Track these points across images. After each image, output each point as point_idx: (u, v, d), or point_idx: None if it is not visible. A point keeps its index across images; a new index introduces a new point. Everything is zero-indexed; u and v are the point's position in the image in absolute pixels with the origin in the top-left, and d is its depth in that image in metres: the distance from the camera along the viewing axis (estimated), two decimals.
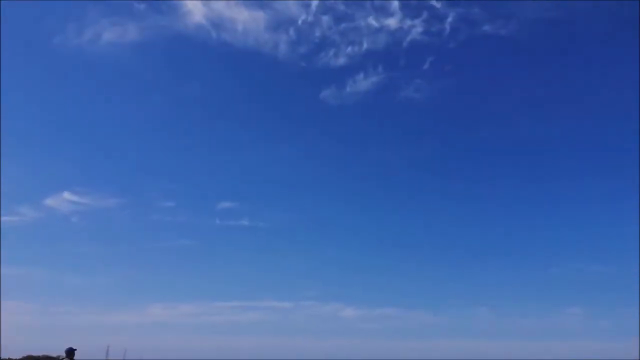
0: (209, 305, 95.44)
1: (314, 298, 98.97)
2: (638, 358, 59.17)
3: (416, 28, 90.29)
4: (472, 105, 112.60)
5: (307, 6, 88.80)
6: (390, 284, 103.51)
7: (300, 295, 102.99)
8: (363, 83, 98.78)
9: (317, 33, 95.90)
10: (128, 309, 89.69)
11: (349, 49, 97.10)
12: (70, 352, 14.07)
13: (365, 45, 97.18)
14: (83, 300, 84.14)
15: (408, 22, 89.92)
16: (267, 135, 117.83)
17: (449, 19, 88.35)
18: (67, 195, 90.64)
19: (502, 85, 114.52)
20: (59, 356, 14.23)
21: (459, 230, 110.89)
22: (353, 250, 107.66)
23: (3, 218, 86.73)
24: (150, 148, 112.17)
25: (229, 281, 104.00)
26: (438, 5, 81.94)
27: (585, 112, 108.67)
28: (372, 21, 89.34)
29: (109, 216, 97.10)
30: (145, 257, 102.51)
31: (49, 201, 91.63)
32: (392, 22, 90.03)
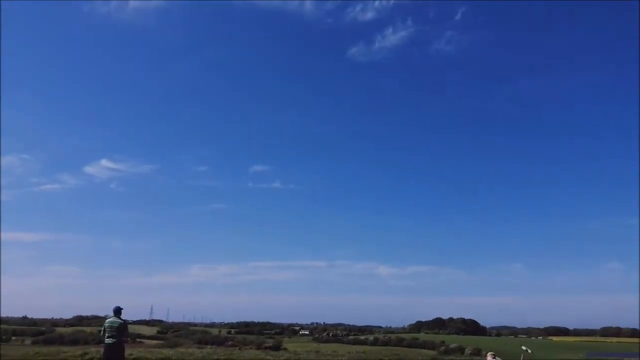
0: (245, 266, 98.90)
1: (348, 257, 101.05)
2: None
3: None
4: (508, 56, 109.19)
5: None
6: (423, 242, 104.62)
7: (334, 254, 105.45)
8: (392, 38, 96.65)
9: None
10: (168, 271, 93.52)
11: (377, 2, 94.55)
12: (118, 311, 14.51)
13: None
14: (125, 263, 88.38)
15: None
16: (295, 96, 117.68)
17: None
18: (105, 162, 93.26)
19: (539, 35, 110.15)
20: (106, 315, 14.76)
21: (491, 187, 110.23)
22: (385, 210, 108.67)
23: (46, 186, 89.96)
24: (182, 113, 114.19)
25: (263, 242, 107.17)
26: None
27: (629, 59, 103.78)
28: None
29: (145, 182, 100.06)
30: (181, 221, 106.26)
31: (88, 168, 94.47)
32: None
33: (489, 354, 14.13)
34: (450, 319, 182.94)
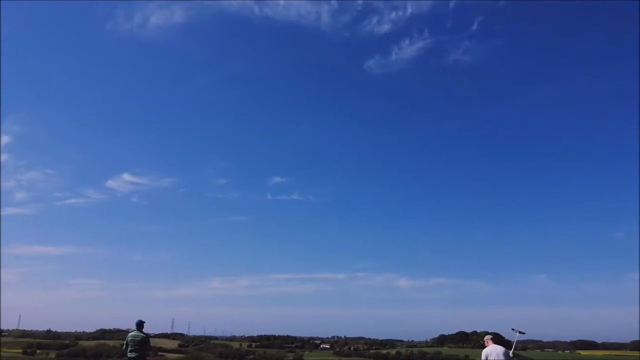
0: (266, 278, 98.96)
1: (367, 269, 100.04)
2: None
3: None
4: (526, 64, 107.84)
5: None
6: (444, 254, 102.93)
7: (354, 266, 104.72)
8: (409, 49, 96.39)
9: (359, 1, 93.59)
10: (190, 284, 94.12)
11: (393, 14, 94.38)
12: (140, 325, 14.50)
13: (409, 10, 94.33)
14: (147, 275, 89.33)
15: None
16: (313, 108, 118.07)
17: None
18: (126, 176, 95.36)
19: (556, 41, 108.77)
20: (128, 329, 14.73)
21: (515, 197, 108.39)
22: (405, 221, 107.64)
23: (70, 200, 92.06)
24: (202, 127, 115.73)
25: (283, 254, 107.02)
26: None
27: None
28: None
29: (166, 195, 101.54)
30: (202, 233, 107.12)
31: (111, 182, 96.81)
32: None
33: (487, 337, 14.07)
34: (474, 333, 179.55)
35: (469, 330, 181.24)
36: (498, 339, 13.84)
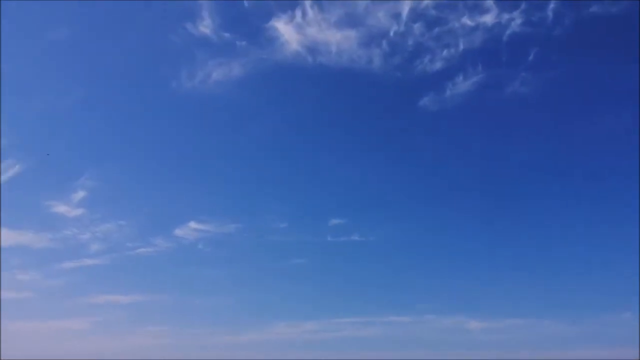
0: (330, 322, 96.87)
1: (435, 311, 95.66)
2: None
3: (515, 21, 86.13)
4: (588, 93, 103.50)
5: (398, 17, 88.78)
6: (517, 292, 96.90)
7: (420, 308, 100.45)
8: (463, 84, 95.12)
9: (410, 41, 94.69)
10: (254, 328, 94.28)
11: (445, 52, 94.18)
12: None
13: (461, 46, 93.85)
14: (213, 321, 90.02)
15: (505, 16, 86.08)
16: (369, 149, 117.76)
17: (551, 5, 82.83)
18: (193, 224, 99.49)
19: (619, 68, 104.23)
20: None
21: (592, 229, 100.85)
22: (472, 259, 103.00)
23: (140, 249, 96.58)
24: (262, 174, 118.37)
25: (346, 297, 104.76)
26: None
27: None
28: (467, 21, 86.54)
29: (229, 240, 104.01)
30: (264, 277, 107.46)
31: (178, 231, 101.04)
32: (488, 19, 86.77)
33: None
34: None
35: None
36: None
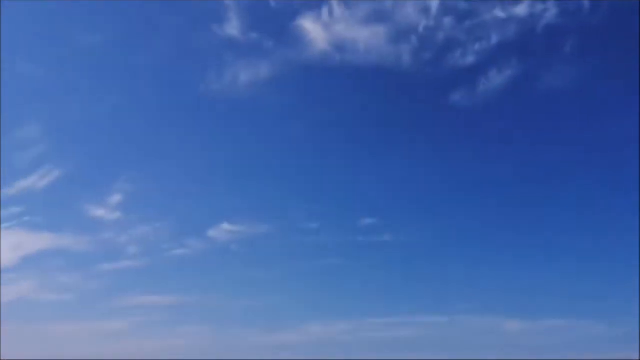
0: (364, 322, 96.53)
1: (471, 311, 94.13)
2: None
3: (550, 11, 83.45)
4: (629, 85, 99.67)
5: (427, 11, 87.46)
6: (559, 292, 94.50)
7: (456, 308, 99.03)
8: (496, 79, 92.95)
9: (441, 36, 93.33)
10: (289, 329, 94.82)
11: (477, 45, 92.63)
12: None
13: (494, 39, 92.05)
14: (247, 321, 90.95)
15: (539, 7, 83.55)
16: (400, 147, 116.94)
17: None
18: (225, 225, 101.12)
19: None
20: None
21: (633, 221, 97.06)
22: (510, 257, 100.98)
23: (175, 251, 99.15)
24: (292, 174, 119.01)
25: (380, 297, 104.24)
26: None
27: None
28: (499, 13, 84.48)
29: (262, 241, 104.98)
30: (297, 278, 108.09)
31: (211, 232, 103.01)
32: (521, 10, 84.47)
33: None
34: None
35: None
36: None
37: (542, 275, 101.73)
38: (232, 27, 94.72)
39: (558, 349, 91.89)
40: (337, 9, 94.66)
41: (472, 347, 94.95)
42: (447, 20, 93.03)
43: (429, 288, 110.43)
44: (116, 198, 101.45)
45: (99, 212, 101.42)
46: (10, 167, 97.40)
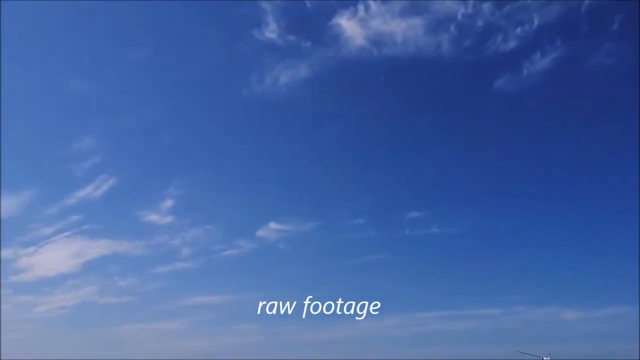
0: (414, 316, 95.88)
1: (526, 302, 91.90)
2: None
3: None
4: None
5: None
6: (616, 279, 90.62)
7: (510, 299, 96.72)
8: (541, 62, 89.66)
9: (480, 22, 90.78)
10: (338, 325, 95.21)
11: (519, 29, 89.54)
12: None
13: (536, 22, 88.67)
14: (297, 318, 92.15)
15: None
16: (444, 138, 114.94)
17: None
18: (273, 225, 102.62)
19: None
20: None
21: None
22: (564, 246, 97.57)
23: (226, 252, 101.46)
24: (336, 171, 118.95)
25: (429, 291, 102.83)
26: None
27: None
28: None
29: (308, 239, 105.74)
30: (344, 274, 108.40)
31: (260, 232, 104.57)
32: None
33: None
34: None
35: None
36: None
37: (600, 263, 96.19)
38: (271, 31, 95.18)
39: (618, 335, 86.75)
40: (373, 4, 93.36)
41: (528, 338, 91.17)
42: (486, 6, 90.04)
43: (480, 280, 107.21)
44: (168, 203, 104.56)
45: (153, 217, 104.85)
46: (69, 178, 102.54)
